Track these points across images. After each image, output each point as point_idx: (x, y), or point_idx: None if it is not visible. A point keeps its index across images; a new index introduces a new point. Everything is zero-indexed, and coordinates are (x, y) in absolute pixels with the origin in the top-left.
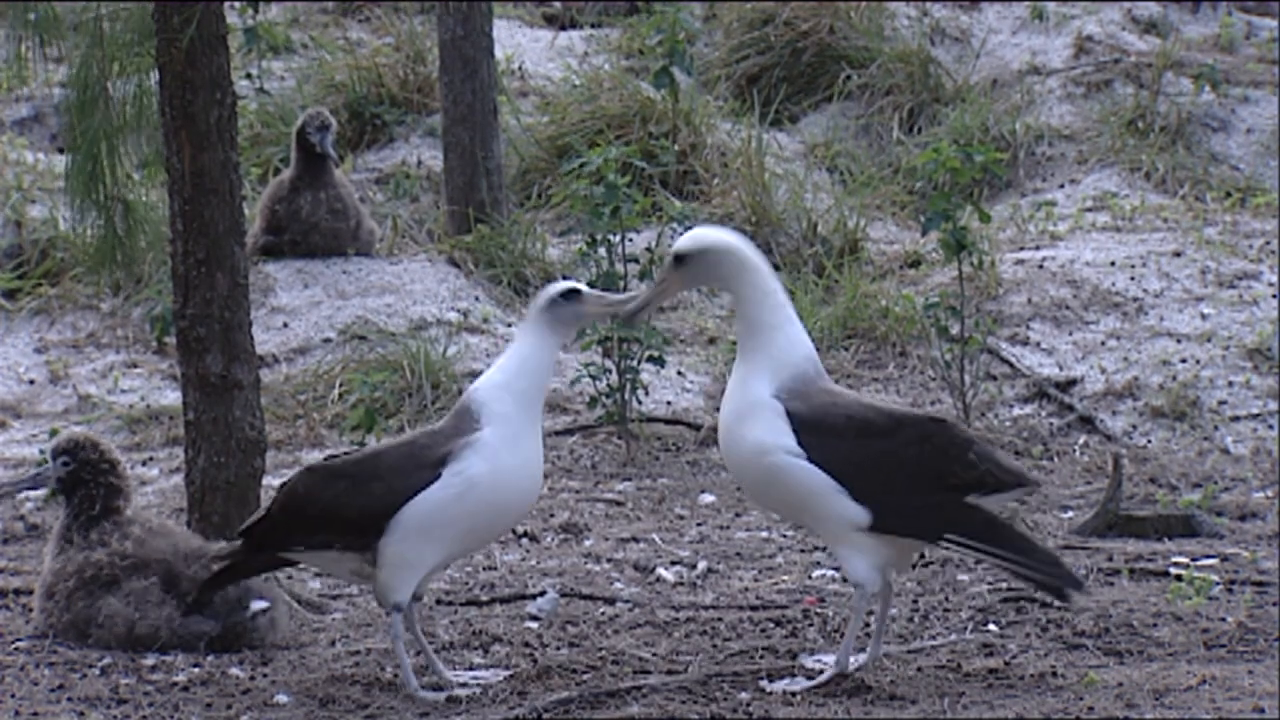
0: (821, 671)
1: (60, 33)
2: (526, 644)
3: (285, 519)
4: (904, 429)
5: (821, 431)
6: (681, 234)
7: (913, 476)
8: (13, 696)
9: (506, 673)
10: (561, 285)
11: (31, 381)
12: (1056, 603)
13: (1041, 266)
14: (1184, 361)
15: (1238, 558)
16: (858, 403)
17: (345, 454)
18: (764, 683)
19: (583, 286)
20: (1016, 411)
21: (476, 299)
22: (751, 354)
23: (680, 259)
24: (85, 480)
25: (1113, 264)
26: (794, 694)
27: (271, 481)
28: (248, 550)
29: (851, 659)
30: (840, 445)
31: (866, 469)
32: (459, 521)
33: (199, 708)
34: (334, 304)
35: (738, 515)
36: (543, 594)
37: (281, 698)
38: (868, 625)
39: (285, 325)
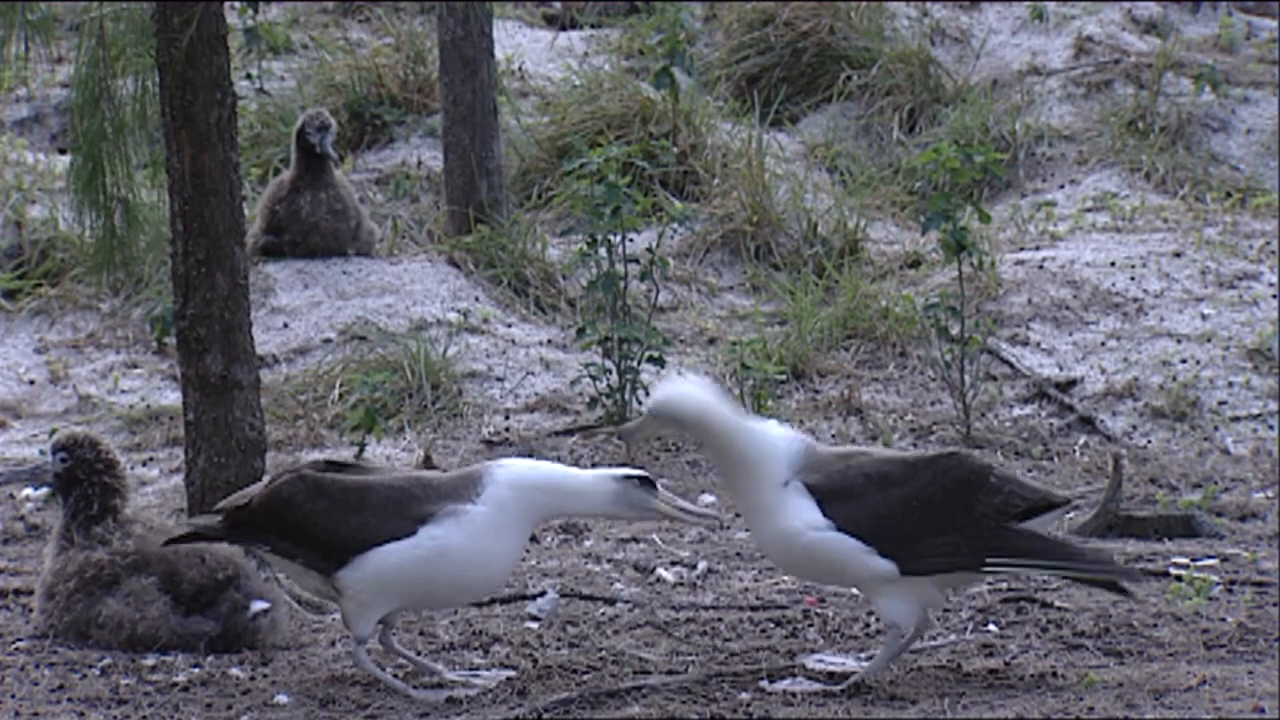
0: (827, 676)
1: (59, 33)
2: (526, 644)
3: (262, 517)
4: (920, 471)
5: (843, 496)
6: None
7: (941, 514)
8: (13, 697)
9: (505, 674)
10: (639, 472)
11: (31, 382)
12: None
13: (1041, 267)
14: (1184, 362)
15: (1238, 558)
16: (869, 458)
17: (343, 466)
18: (764, 683)
19: (659, 485)
20: (1016, 412)
21: (477, 299)
22: (747, 477)
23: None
24: (81, 479)
25: (1113, 264)
26: (794, 695)
27: None
28: (223, 530)
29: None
30: (864, 504)
31: (893, 520)
32: (417, 582)
33: (199, 708)
34: (334, 304)
35: (738, 515)
36: (543, 594)
37: (281, 698)
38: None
39: (285, 325)
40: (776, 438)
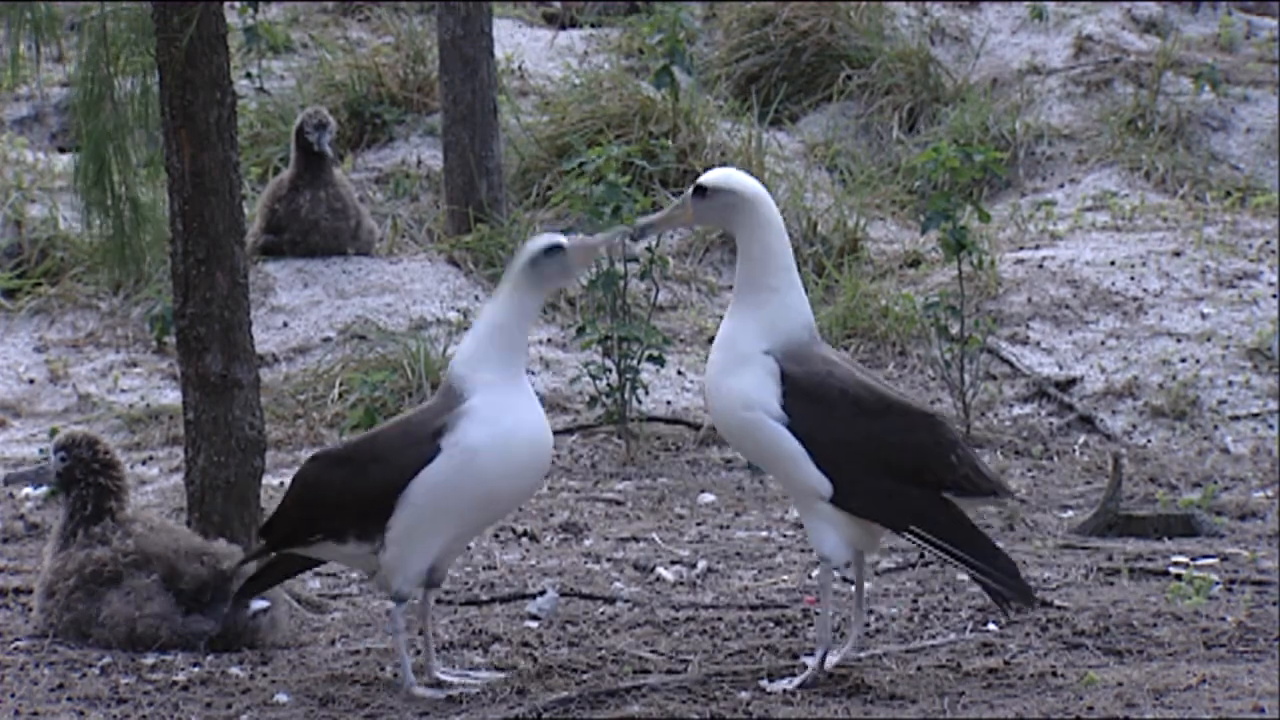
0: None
1: (60, 32)
2: (526, 643)
3: (299, 509)
4: (892, 415)
5: (811, 399)
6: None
7: (888, 463)
8: (13, 696)
9: (502, 675)
10: (543, 241)
11: (31, 381)
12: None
13: (1041, 266)
14: (1184, 361)
15: (1238, 557)
16: (853, 377)
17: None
18: (764, 682)
19: (563, 239)
20: (1016, 411)
21: (476, 298)
22: (747, 309)
23: (701, 191)
24: (80, 478)
25: (1112, 263)
26: (792, 692)
27: (271, 481)
28: (270, 548)
29: (834, 638)
30: (824, 416)
31: (842, 444)
32: (469, 492)
33: (199, 707)
34: (334, 303)
35: (738, 515)
36: (542, 593)
37: (281, 697)
38: (842, 596)
39: (285, 325)
40: (791, 306)
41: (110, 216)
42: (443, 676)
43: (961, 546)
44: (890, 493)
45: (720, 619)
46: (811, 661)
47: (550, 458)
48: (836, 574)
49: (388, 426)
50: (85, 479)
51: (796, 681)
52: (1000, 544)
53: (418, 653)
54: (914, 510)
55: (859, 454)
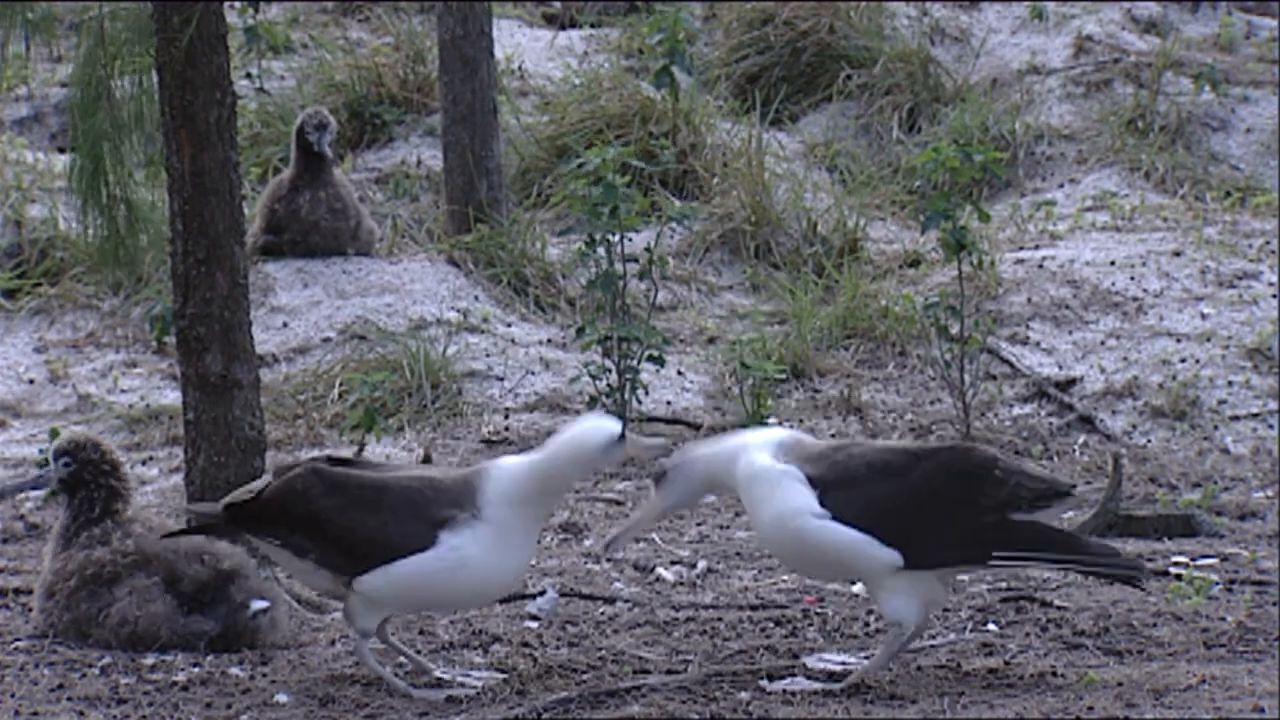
0: (827, 675)
1: (59, 32)
2: (526, 643)
3: (273, 510)
4: (923, 462)
5: (843, 485)
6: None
7: (945, 507)
8: (12, 696)
9: (498, 676)
10: (613, 428)
11: (31, 381)
12: (1056, 602)
13: (1041, 266)
14: (1184, 361)
15: (1237, 557)
16: (870, 447)
17: (347, 462)
18: (764, 682)
19: (628, 433)
20: (1016, 411)
21: (476, 299)
22: (743, 488)
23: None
24: (86, 481)
25: (1112, 264)
26: (794, 694)
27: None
28: (227, 521)
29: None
30: (864, 494)
31: (895, 511)
32: (439, 590)
33: (199, 707)
34: (334, 304)
35: (737, 515)
36: (542, 593)
37: (281, 697)
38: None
39: (285, 325)
40: (754, 439)
41: (105, 217)
42: (442, 675)
43: (1052, 550)
44: (960, 534)
45: (720, 619)
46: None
47: (512, 589)
48: (905, 636)
49: (401, 481)
50: (93, 481)
51: (806, 685)
52: None
53: (399, 666)
54: (990, 539)
55: (914, 512)
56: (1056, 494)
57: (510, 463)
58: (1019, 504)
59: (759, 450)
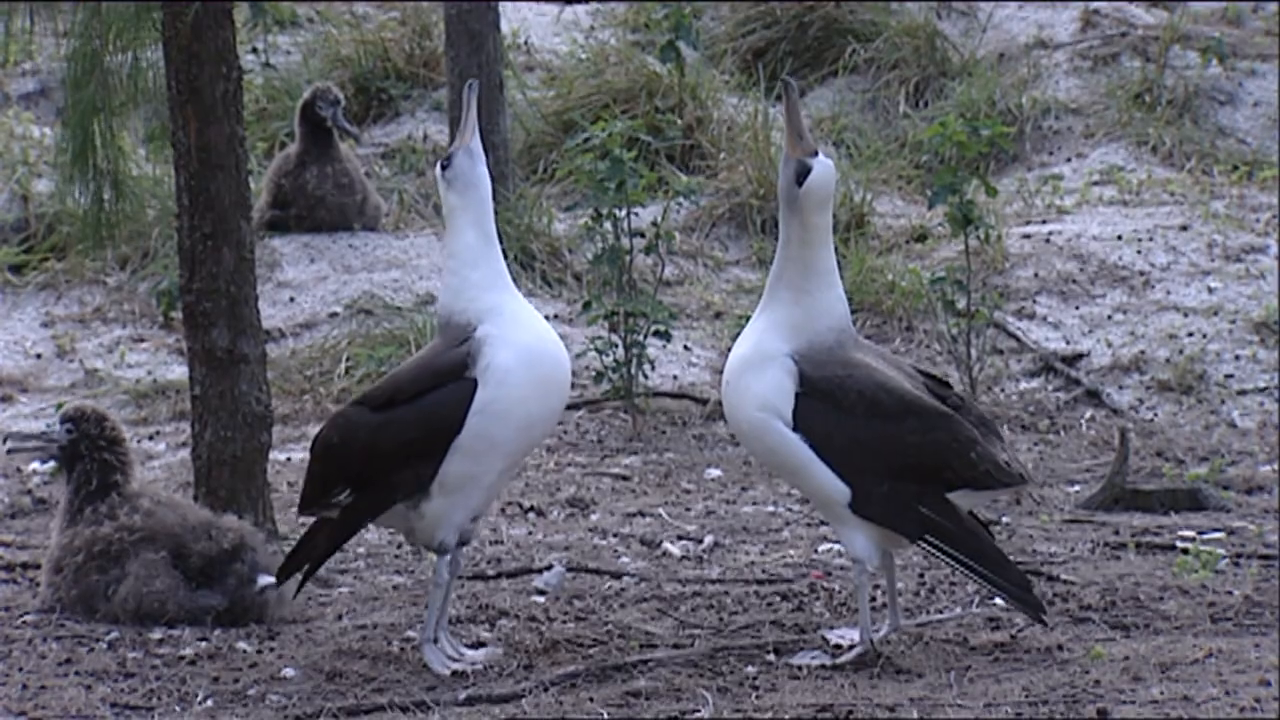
0: (845, 647)
1: (63, 8)
2: (533, 618)
3: (333, 466)
4: (910, 417)
5: (826, 403)
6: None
7: (907, 465)
8: (20, 670)
9: (498, 651)
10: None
11: (38, 356)
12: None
13: (1048, 240)
14: (1190, 335)
15: (1244, 531)
16: (872, 379)
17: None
18: (786, 656)
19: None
20: (1023, 385)
21: None
22: (778, 307)
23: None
24: (85, 454)
25: (1119, 238)
26: (801, 668)
27: (277, 456)
28: (304, 511)
29: (871, 633)
30: (838, 419)
31: (858, 448)
32: (511, 418)
33: (206, 681)
34: (340, 278)
35: (744, 490)
36: (549, 568)
37: (288, 671)
38: (874, 600)
39: (291, 300)
40: (838, 297)
41: (88, 192)
42: (453, 653)
43: (975, 558)
44: (906, 502)
45: (727, 593)
46: (849, 657)
47: (570, 367)
48: (869, 572)
49: (408, 373)
50: (90, 454)
51: (826, 660)
52: (1007, 518)
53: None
54: (928, 521)
55: (876, 458)
56: (1009, 484)
57: (443, 284)
58: (976, 487)
59: (785, 329)
